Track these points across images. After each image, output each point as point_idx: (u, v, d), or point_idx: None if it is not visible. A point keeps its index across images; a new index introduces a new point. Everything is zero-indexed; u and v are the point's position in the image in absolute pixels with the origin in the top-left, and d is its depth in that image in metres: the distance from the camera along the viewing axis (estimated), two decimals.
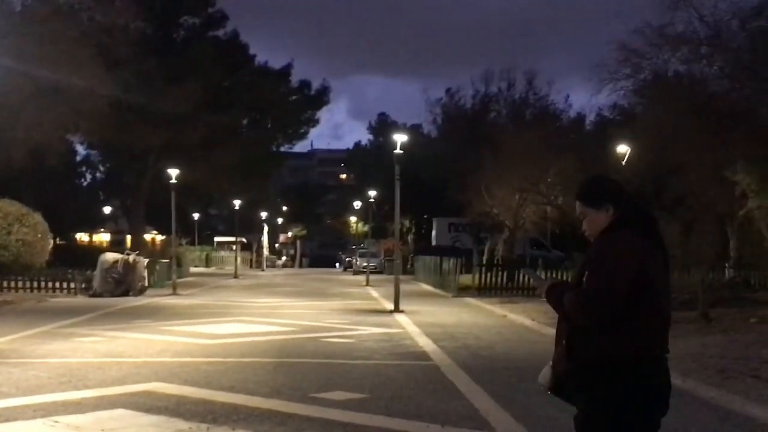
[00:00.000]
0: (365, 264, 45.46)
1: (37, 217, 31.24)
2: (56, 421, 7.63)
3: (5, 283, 27.43)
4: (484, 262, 32.28)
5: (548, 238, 43.86)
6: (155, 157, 45.52)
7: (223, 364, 11.35)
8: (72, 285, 27.59)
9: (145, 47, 39.81)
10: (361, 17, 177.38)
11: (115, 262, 27.26)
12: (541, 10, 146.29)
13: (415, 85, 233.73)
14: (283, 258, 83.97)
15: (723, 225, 25.42)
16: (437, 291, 31.05)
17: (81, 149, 54.63)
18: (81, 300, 25.35)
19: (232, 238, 58.60)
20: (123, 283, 27.05)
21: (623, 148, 27.09)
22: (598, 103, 60.78)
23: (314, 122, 58.84)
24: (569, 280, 4.11)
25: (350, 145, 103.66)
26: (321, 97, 58.22)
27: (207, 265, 63.47)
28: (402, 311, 20.77)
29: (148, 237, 61.01)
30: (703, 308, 16.35)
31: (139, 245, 44.14)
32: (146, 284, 28.90)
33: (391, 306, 21.79)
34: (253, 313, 20.19)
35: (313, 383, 9.86)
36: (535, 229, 38.27)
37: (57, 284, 27.68)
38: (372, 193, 48.32)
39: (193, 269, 50.42)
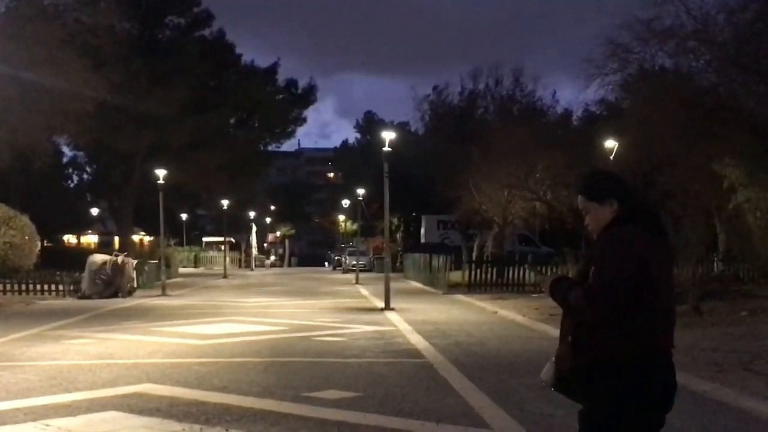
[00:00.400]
0: (354, 262, 45.43)
1: (25, 220, 31.06)
2: (47, 425, 7.55)
3: None
4: (474, 258, 32.28)
5: (537, 234, 43.91)
6: (142, 158, 45.40)
7: (214, 365, 11.29)
8: (60, 287, 27.42)
9: (131, 48, 39.77)
10: (347, 15, 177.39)
11: (104, 263, 27.13)
12: (528, 6, 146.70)
13: (403, 83, 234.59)
14: (272, 257, 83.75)
15: (711, 218, 25.48)
16: (427, 288, 31.03)
17: (67, 150, 54.56)
18: (70, 302, 25.21)
19: (221, 238, 58.53)
20: (112, 284, 26.94)
21: (611, 143, 27.13)
22: (585, 98, 60.92)
23: (301, 121, 58.96)
24: (566, 275, 4.08)
25: (338, 144, 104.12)
26: (308, 96, 58.36)
27: (196, 266, 63.38)
28: (393, 309, 20.72)
29: (136, 238, 60.94)
30: (694, 302, 16.39)
31: (127, 246, 43.94)
32: (135, 285, 28.85)
33: (381, 304, 21.74)
34: (244, 313, 20.11)
35: (305, 382, 9.81)
36: (523, 225, 38.31)
37: (45, 286, 27.54)
38: (360, 191, 48.31)
39: (181, 270, 50.34)
